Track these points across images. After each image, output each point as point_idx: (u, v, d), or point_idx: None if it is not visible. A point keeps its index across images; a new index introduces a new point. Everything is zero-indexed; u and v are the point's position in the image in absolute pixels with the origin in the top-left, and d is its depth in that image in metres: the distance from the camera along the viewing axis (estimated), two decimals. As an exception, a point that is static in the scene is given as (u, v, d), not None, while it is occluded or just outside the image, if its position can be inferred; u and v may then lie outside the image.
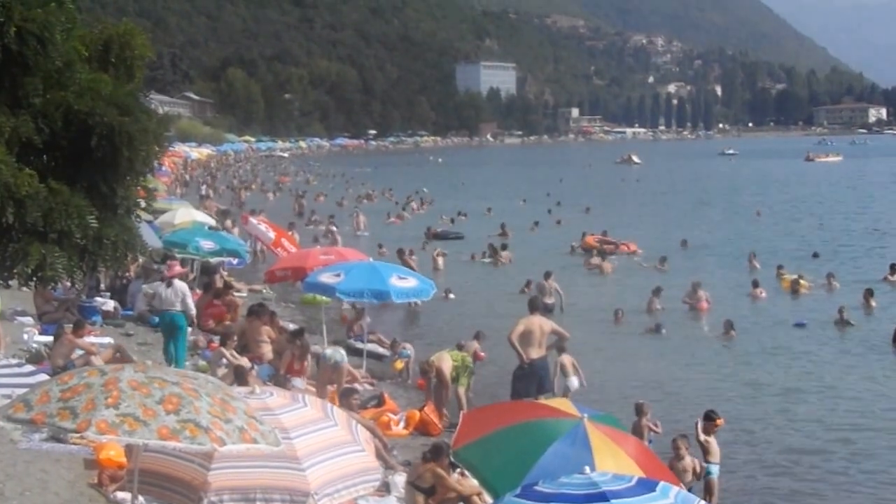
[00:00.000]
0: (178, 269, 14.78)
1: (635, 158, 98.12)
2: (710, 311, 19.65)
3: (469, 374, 12.55)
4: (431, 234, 32.69)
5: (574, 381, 12.73)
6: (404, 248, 24.51)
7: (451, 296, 21.31)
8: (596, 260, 25.75)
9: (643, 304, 19.72)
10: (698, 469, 9.45)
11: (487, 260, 27.19)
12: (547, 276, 20.23)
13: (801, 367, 15.58)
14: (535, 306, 12.76)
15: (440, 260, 25.90)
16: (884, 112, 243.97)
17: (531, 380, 12.02)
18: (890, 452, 11.55)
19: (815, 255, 27.35)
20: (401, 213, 41.38)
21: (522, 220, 37.22)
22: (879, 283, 22.03)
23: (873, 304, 19.70)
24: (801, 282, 22.12)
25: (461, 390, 12.28)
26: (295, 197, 47.35)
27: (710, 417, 9.93)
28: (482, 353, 13.70)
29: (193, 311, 14.14)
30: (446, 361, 12.31)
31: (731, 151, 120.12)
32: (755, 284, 21.64)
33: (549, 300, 19.49)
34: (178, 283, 13.86)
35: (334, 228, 30.05)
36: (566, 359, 12.84)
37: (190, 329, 14.57)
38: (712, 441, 9.77)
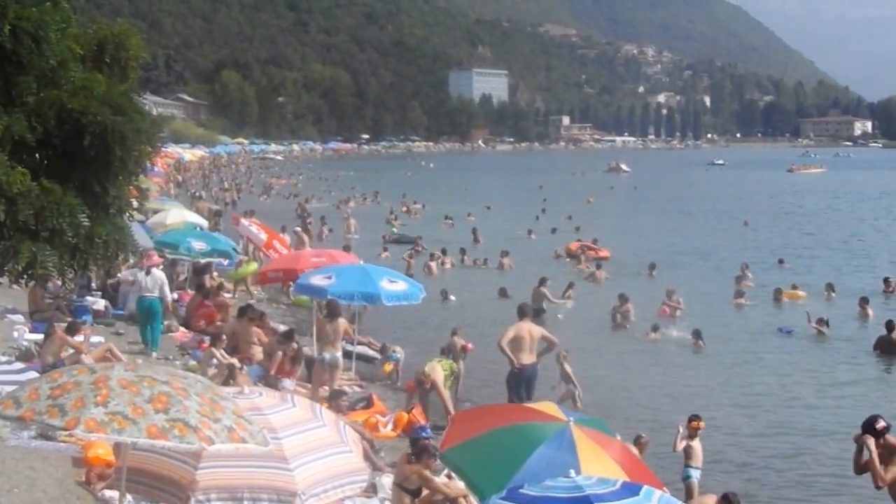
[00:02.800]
0: (156, 258, 15.35)
1: (624, 167, 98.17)
2: (681, 317, 19.67)
3: (455, 380, 12.65)
4: (389, 239, 32.72)
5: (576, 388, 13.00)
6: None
7: (452, 297, 21.39)
8: (598, 272, 25.70)
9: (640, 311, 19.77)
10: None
11: (487, 267, 27.13)
12: (542, 282, 20.30)
13: (783, 374, 15.66)
14: (525, 312, 12.82)
15: (433, 265, 25.97)
16: (869, 125, 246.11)
17: (521, 384, 12.14)
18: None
19: (781, 262, 27.43)
20: (390, 219, 41.37)
21: (503, 225, 37.30)
22: (876, 296, 22.15)
23: (870, 312, 19.73)
24: (785, 291, 22.26)
25: (447, 394, 12.38)
26: (298, 200, 47.45)
27: (690, 420, 10.01)
28: (469, 345, 13.78)
29: (170, 299, 15.16)
30: (438, 372, 12.40)
31: (720, 162, 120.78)
32: (738, 294, 21.80)
33: (536, 305, 19.55)
34: (156, 271, 14.72)
35: (297, 229, 29.83)
36: (567, 367, 13.14)
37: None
38: (695, 445, 9.82)
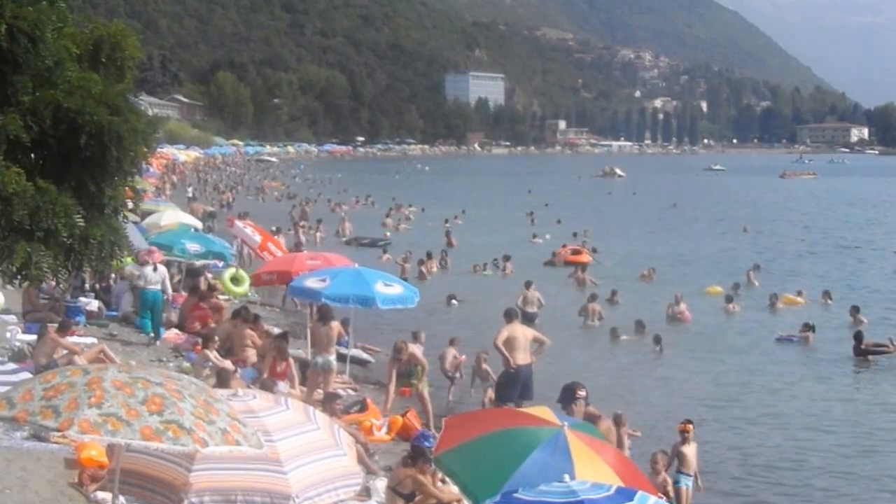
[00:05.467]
0: (158, 255, 16.54)
1: (619, 171, 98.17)
2: (691, 322, 20.00)
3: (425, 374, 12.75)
4: (358, 242, 32.72)
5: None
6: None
7: (455, 302, 21.37)
8: (580, 274, 25.80)
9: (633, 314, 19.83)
10: (670, 489, 9.48)
11: (489, 272, 27.16)
12: (528, 285, 20.37)
13: (770, 378, 15.72)
14: (512, 315, 12.99)
15: (424, 270, 26.02)
16: (866, 132, 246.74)
17: (516, 384, 12.25)
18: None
19: (757, 268, 27.36)
20: (386, 221, 41.39)
21: (496, 229, 37.50)
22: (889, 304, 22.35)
23: (863, 319, 19.77)
24: (781, 296, 22.34)
25: (425, 392, 12.46)
26: (299, 202, 47.74)
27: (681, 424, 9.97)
28: (462, 357, 13.80)
29: (171, 291, 16.79)
30: (418, 350, 12.65)
31: (717, 167, 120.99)
32: (728, 300, 21.87)
33: (530, 309, 19.66)
34: (161, 266, 16.15)
35: (274, 228, 29.82)
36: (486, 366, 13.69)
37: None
38: (687, 451, 9.76)
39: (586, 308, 19.89)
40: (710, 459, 11.14)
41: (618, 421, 10.27)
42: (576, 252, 29.57)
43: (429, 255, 27.68)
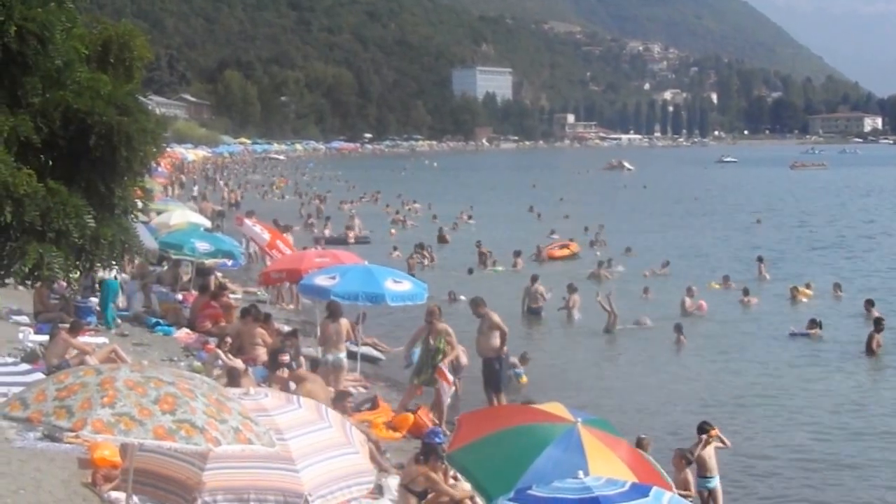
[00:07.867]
0: None
1: (627, 164, 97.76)
2: (703, 316, 19.91)
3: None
4: (352, 239, 32.92)
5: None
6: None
7: (462, 297, 21.38)
8: (597, 269, 25.65)
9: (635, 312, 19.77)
10: (692, 486, 9.38)
11: (500, 268, 27.15)
12: (533, 280, 20.34)
13: (777, 375, 15.64)
14: (482, 304, 13.21)
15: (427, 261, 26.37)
16: (879, 121, 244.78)
17: (502, 370, 12.87)
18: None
19: (760, 260, 26.99)
20: (397, 217, 41.38)
21: (501, 227, 37.53)
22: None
23: (878, 314, 19.60)
24: (800, 289, 22.25)
25: (446, 370, 12.45)
26: (310, 198, 47.83)
27: (703, 429, 9.73)
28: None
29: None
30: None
31: (729, 159, 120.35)
32: (745, 292, 21.80)
33: (535, 304, 19.64)
34: None
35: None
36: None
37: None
38: (706, 454, 9.61)
39: (568, 300, 19.83)
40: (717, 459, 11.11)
41: (641, 444, 10.01)
42: (563, 247, 29.54)
43: (421, 247, 27.87)
